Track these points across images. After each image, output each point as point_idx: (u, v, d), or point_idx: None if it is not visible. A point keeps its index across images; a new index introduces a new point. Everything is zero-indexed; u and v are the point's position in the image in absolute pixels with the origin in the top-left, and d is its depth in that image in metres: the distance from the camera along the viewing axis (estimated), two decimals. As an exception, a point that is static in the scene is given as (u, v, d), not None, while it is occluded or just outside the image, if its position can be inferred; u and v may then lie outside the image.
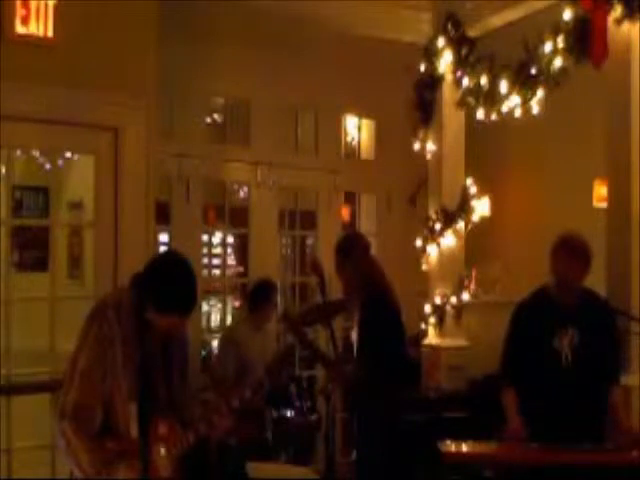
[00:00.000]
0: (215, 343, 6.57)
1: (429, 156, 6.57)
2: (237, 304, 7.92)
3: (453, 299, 6.36)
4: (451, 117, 6.44)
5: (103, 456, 2.72)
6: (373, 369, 4.21)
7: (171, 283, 2.81)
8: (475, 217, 6.42)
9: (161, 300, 2.79)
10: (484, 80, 5.86)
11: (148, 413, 2.68)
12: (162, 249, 6.31)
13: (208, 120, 6.95)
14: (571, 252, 3.84)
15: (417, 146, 6.58)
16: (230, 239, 8.14)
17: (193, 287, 2.86)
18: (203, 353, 6.65)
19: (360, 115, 7.50)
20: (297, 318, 4.96)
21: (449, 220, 6.38)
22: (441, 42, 6.24)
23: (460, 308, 6.36)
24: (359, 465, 4.41)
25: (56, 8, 4.65)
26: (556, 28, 5.06)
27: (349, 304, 4.51)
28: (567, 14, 4.98)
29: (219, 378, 5.43)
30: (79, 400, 2.73)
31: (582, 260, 3.85)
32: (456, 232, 6.42)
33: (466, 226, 6.45)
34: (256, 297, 5.85)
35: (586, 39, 4.83)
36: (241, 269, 8.01)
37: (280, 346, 5.96)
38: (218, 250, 7.99)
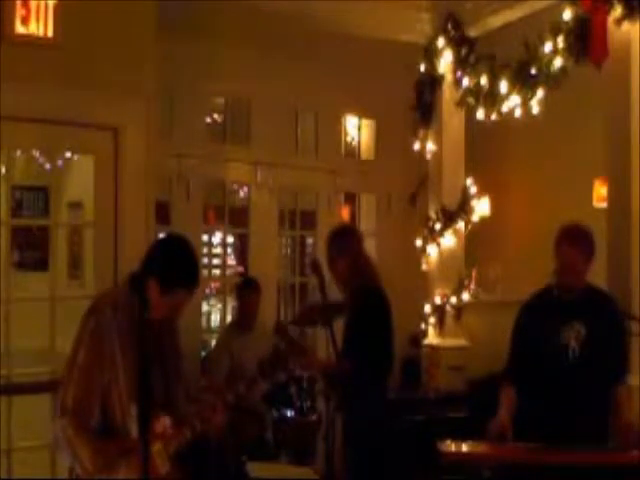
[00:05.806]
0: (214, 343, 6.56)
1: (429, 156, 6.58)
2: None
3: (453, 299, 6.36)
4: (451, 117, 6.45)
5: (104, 454, 2.72)
6: (359, 368, 4.17)
7: (175, 258, 2.86)
8: (475, 217, 6.43)
9: (167, 276, 2.82)
10: (484, 80, 5.87)
11: (146, 411, 2.67)
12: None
13: (208, 120, 6.95)
14: (573, 242, 3.82)
15: (417, 146, 6.59)
16: (230, 239, 8.13)
17: (195, 260, 2.92)
18: (203, 353, 6.64)
19: (360, 115, 7.49)
20: (295, 320, 4.93)
21: (449, 220, 6.39)
22: (441, 42, 6.25)
23: (460, 308, 6.37)
24: (350, 465, 4.38)
25: (56, 8, 4.64)
26: (556, 28, 5.07)
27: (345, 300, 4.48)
28: (567, 14, 4.98)
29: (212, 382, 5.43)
30: (79, 396, 2.73)
31: (584, 250, 3.82)
32: (456, 232, 6.43)
33: (466, 226, 6.45)
34: (238, 295, 5.90)
35: (586, 39, 4.83)
36: (241, 269, 8.01)
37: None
38: (218, 250, 7.99)
